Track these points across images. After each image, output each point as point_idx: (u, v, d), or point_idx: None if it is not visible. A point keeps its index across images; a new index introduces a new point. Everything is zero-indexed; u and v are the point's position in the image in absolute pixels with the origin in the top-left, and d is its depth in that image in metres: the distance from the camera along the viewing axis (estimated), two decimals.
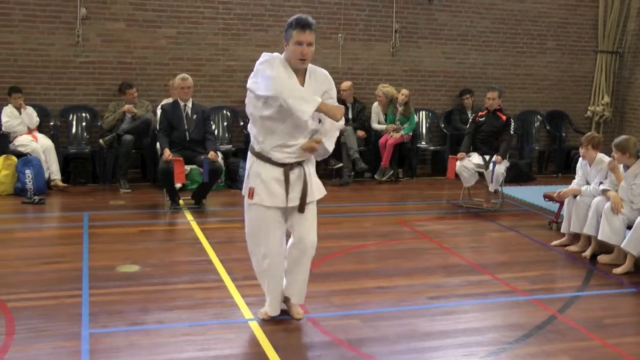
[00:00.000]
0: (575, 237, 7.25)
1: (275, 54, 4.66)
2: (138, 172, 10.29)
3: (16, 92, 9.44)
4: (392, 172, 10.68)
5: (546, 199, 8.21)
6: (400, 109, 10.71)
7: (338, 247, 6.95)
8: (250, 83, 4.58)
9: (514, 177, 10.71)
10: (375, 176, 10.67)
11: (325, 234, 7.58)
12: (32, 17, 9.85)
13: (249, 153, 4.81)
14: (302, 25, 4.51)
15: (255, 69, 4.58)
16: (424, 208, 9.14)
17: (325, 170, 10.66)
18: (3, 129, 9.40)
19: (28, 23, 9.85)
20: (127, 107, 9.67)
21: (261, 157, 4.68)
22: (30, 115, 9.48)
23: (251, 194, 4.70)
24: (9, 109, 9.43)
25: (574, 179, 7.46)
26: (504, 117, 9.00)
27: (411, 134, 10.79)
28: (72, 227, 7.56)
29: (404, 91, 10.70)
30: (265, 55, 4.62)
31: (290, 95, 4.41)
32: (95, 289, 5.51)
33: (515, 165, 10.88)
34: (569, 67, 12.56)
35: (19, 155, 9.20)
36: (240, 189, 9.72)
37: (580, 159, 7.32)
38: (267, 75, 4.44)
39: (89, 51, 10.13)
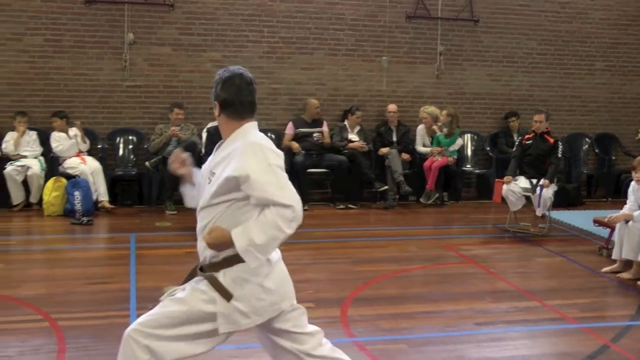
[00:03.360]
0: (627, 264, 7.05)
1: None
2: None
3: (54, 116, 9.71)
4: (437, 195, 10.60)
5: (596, 224, 8.04)
6: (445, 130, 10.64)
7: (384, 270, 6.90)
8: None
9: (562, 201, 10.53)
10: (421, 199, 10.59)
11: (371, 257, 7.58)
12: (82, 42, 10.07)
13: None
14: None
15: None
16: (469, 232, 9.04)
17: (369, 193, 10.64)
18: (56, 153, 9.60)
19: (78, 49, 10.07)
20: (173, 129, 9.77)
21: None
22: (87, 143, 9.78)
23: None
24: (57, 134, 9.63)
25: (625, 203, 7.30)
26: (551, 140, 8.88)
27: (456, 157, 10.71)
28: (120, 248, 7.64)
29: (444, 112, 10.65)
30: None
31: None
32: (143, 309, 5.47)
33: (563, 189, 10.70)
34: (618, 89, 12.37)
35: (68, 177, 9.37)
36: None
37: (633, 183, 7.16)
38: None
39: (135, 75, 10.30)
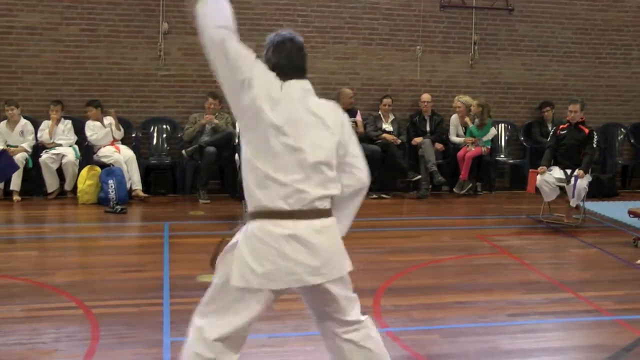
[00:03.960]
0: None
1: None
2: (217, 184, 10.44)
3: (89, 105, 9.81)
4: (470, 185, 10.53)
5: (631, 215, 7.95)
6: (476, 121, 10.57)
7: (416, 260, 6.89)
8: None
9: (596, 191, 10.39)
10: (454, 189, 10.54)
11: (403, 247, 7.57)
12: (117, 32, 10.16)
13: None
14: None
15: None
16: (503, 222, 8.98)
17: (403, 183, 10.62)
18: (90, 142, 9.71)
19: (113, 38, 10.16)
20: (207, 117, 9.82)
21: None
22: (121, 131, 9.88)
23: None
24: (91, 123, 9.74)
25: None
26: (586, 130, 8.77)
27: (490, 147, 10.64)
28: (153, 237, 7.72)
29: (475, 102, 10.58)
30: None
31: None
32: (176, 297, 5.59)
33: (598, 179, 10.56)
34: None
35: (102, 165, 9.48)
36: None
37: None
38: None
39: (170, 65, 10.36)
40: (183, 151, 9.72)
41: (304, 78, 3.34)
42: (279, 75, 3.26)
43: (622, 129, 12.06)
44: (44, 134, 9.65)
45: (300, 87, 3.28)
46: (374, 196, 10.15)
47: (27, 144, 9.56)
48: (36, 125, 9.76)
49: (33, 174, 9.55)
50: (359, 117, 10.52)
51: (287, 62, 3.28)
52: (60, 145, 9.64)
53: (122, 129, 9.89)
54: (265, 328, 4.98)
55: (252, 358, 4.47)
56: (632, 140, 11.99)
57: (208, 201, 9.53)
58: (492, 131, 10.73)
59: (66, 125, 9.80)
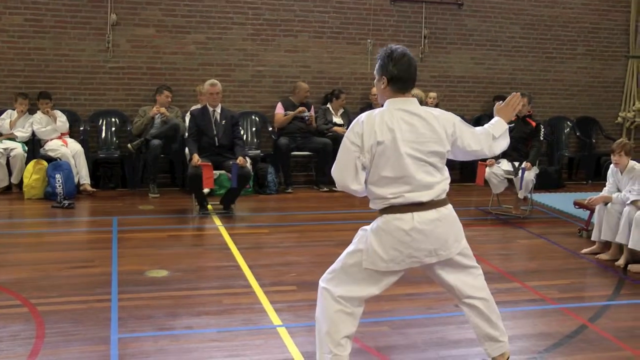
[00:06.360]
0: (606, 246, 7.13)
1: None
2: (167, 177, 10.35)
3: (43, 97, 9.57)
4: None
5: (576, 206, 8.11)
6: None
7: None
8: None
9: (543, 183, 10.58)
10: None
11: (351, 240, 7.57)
12: (63, 23, 9.97)
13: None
14: None
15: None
16: None
17: None
18: (37, 135, 9.52)
19: (59, 29, 9.96)
20: (156, 108, 9.70)
21: None
22: (64, 122, 9.63)
23: None
24: (38, 116, 9.54)
25: (604, 186, 7.35)
26: (533, 123, 8.92)
27: None
28: (101, 232, 7.60)
29: (432, 94, 10.68)
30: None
31: None
32: (124, 293, 5.53)
33: (545, 171, 10.75)
34: (599, 73, 12.45)
35: (49, 159, 9.29)
36: (268, 194, 9.87)
37: (612, 166, 7.20)
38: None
39: (118, 57, 10.22)
40: (129, 145, 9.59)
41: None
42: (397, 88, 4.02)
43: (568, 123, 12.29)
44: (4, 123, 9.44)
45: None
46: (325, 189, 10.16)
47: None
48: None
49: None
50: (312, 112, 10.51)
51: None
52: (14, 138, 9.43)
53: (64, 122, 9.63)
54: (214, 323, 4.98)
55: (201, 353, 4.45)
56: (577, 134, 12.24)
57: (157, 195, 9.43)
58: None
59: (27, 119, 9.58)
